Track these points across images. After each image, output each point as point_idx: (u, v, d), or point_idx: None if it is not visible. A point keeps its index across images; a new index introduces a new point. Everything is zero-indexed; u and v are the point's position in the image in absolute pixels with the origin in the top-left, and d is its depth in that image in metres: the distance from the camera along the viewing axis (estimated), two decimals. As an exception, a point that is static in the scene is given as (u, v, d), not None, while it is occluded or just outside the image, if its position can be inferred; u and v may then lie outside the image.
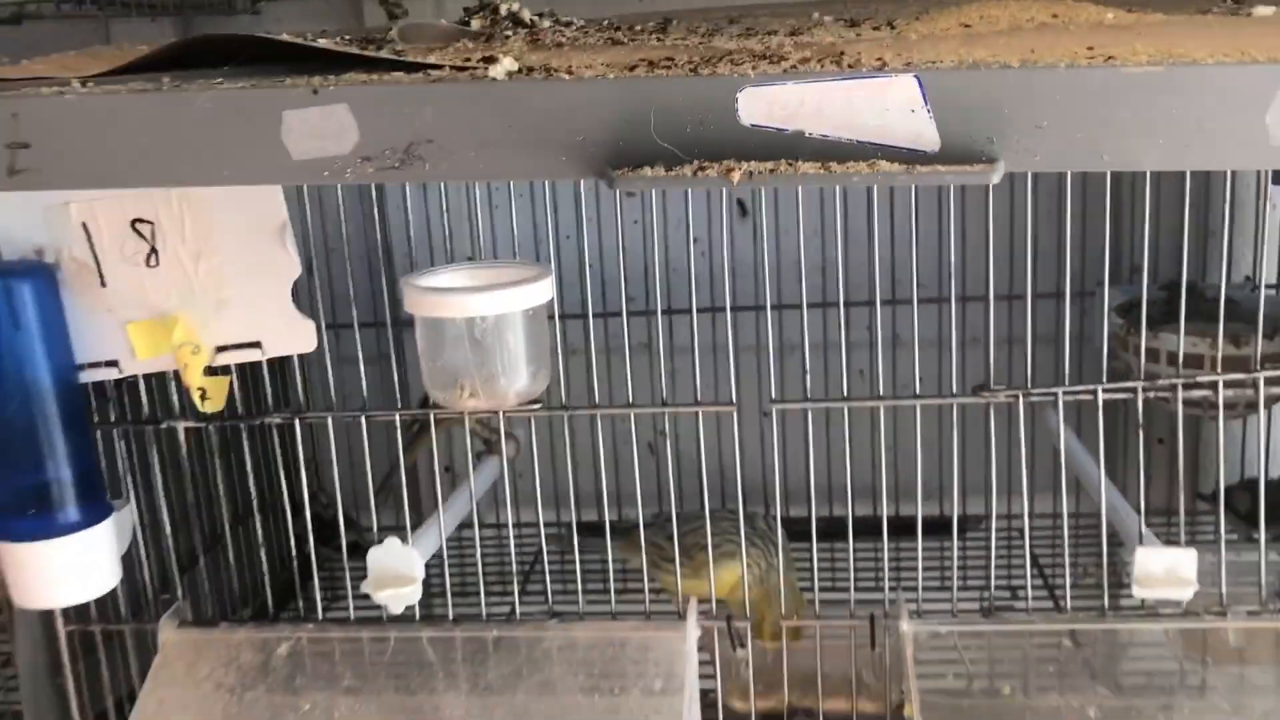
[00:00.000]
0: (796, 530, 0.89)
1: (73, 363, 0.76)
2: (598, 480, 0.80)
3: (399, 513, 0.84)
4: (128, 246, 0.74)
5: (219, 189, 0.72)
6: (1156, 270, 1.04)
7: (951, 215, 0.72)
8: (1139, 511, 0.76)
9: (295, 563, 0.96)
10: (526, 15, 0.77)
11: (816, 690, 0.82)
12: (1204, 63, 0.55)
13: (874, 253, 0.73)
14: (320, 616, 0.83)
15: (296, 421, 0.81)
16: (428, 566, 0.80)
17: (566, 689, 0.76)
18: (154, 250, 0.74)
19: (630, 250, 0.78)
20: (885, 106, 0.57)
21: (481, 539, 0.83)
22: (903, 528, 0.81)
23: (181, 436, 0.81)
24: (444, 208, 0.82)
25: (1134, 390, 0.73)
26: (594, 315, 0.85)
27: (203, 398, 0.77)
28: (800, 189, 0.86)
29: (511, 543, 0.83)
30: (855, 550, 0.81)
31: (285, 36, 0.66)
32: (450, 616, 0.81)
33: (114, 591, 0.80)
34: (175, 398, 0.81)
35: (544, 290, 0.71)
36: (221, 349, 0.76)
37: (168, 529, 0.84)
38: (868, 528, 0.80)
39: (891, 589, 0.79)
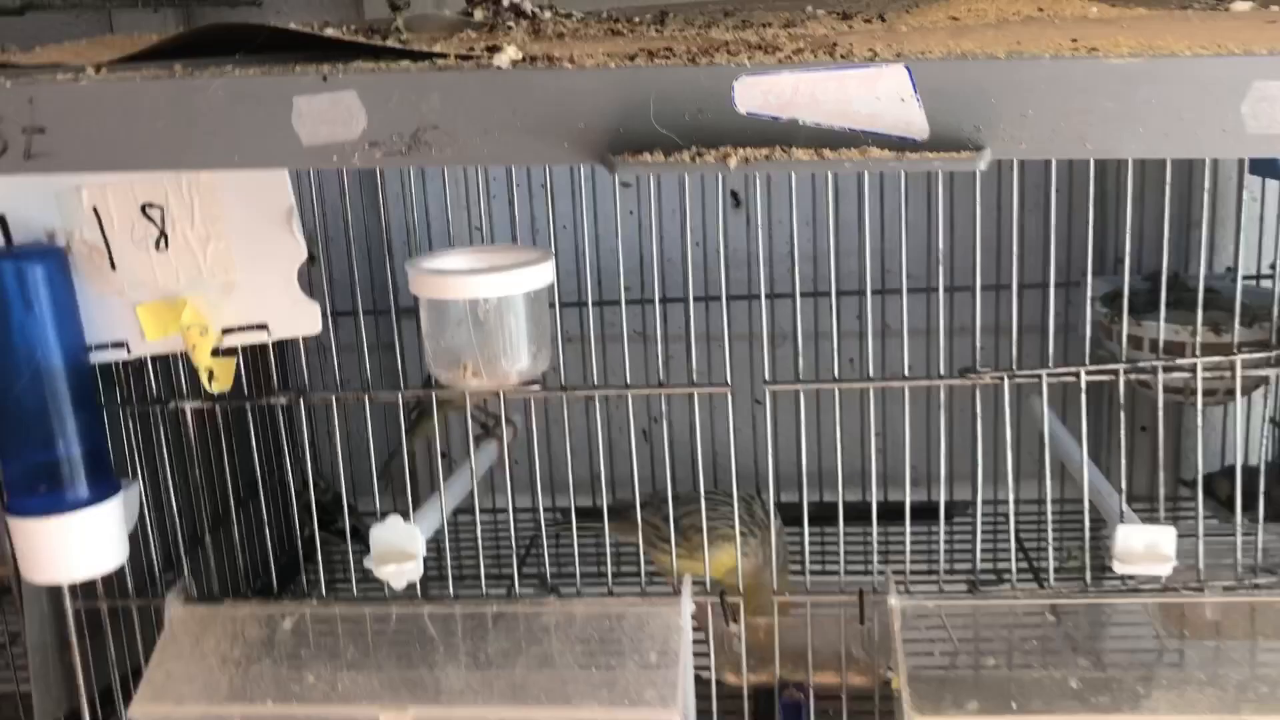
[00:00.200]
0: (789, 515, 0.91)
1: (83, 344, 0.77)
2: (593, 465, 0.82)
3: (396, 499, 0.87)
4: (137, 230, 0.76)
5: (228, 175, 0.74)
6: (1141, 261, 1.06)
7: (940, 206, 0.74)
8: (1123, 492, 0.78)
9: (299, 542, 0.98)
10: (528, 7, 0.79)
11: (807, 665, 0.84)
12: (1182, 55, 0.57)
13: (864, 243, 0.76)
14: (323, 593, 0.85)
15: (301, 402, 0.83)
16: (427, 554, 0.82)
17: (564, 663, 0.77)
18: (163, 234, 0.76)
19: (627, 240, 0.80)
20: (876, 95, 0.59)
21: (479, 524, 0.85)
22: (893, 513, 0.83)
23: (189, 416, 0.83)
24: (445, 198, 0.83)
25: (1116, 372, 0.76)
26: (591, 304, 0.87)
27: (210, 378, 0.79)
28: (793, 180, 0.89)
29: (512, 521, 0.85)
30: (846, 534, 0.84)
31: (293, 26, 0.68)
32: (451, 593, 0.83)
33: (121, 569, 0.81)
34: (182, 379, 0.83)
35: (545, 273, 0.73)
36: (228, 331, 0.78)
37: (174, 508, 0.86)
38: (859, 512, 0.82)
39: (880, 573, 0.81)
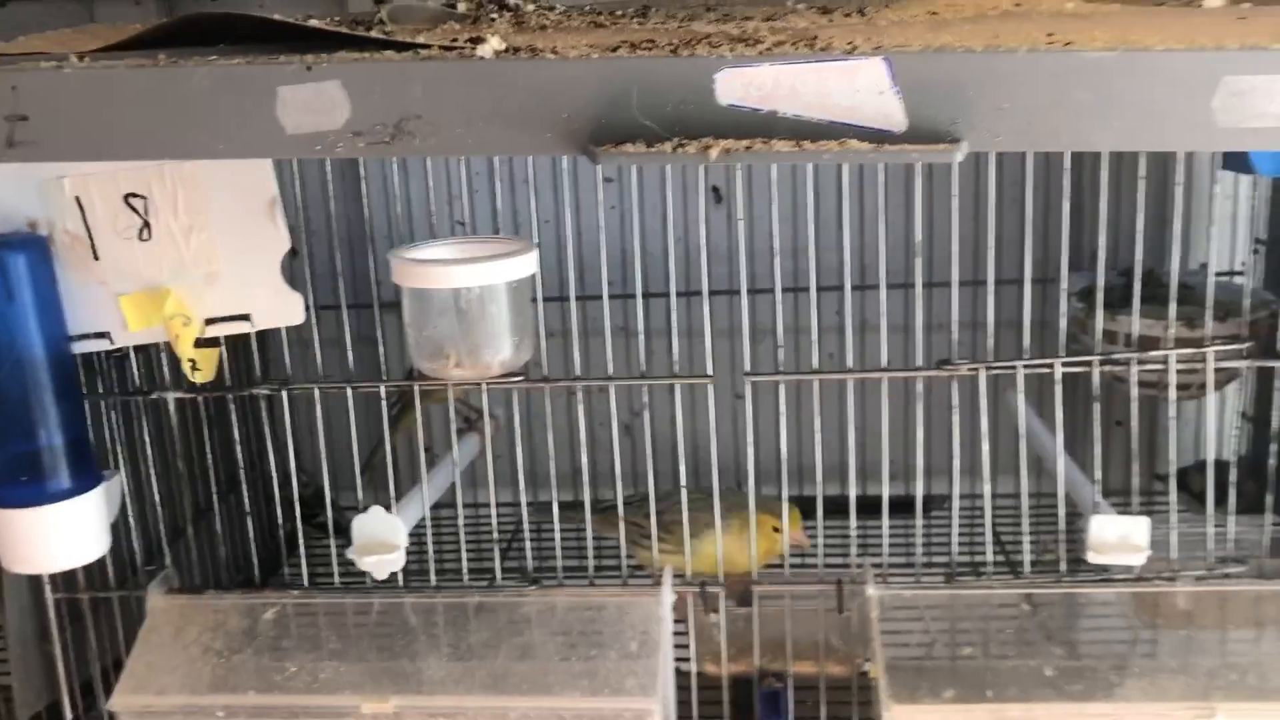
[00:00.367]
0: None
1: (65, 334, 0.77)
2: (575, 458, 0.82)
3: (378, 492, 0.87)
4: (120, 220, 0.76)
5: (211, 165, 0.74)
6: (1117, 256, 1.07)
7: (919, 202, 0.75)
8: (1097, 483, 0.80)
9: (281, 534, 0.98)
10: None
11: (786, 654, 0.85)
12: (1155, 49, 0.58)
13: (844, 238, 0.77)
14: (305, 584, 0.85)
15: (284, 393, 0.83)
16: (409, 549, 0.82)
17: (545, 652, 0.78)
18: (146, 224, 0.76)
19: (609, 234, 0.81)
20: (855, 88, 0.60)
21: (461, 517, 0.85)
22: (875, 506, 0.83)
23: (171, 407, 0.83)
24: (427, 191, 0.84)
25: (1090, 364, 0.77)
26: (574, 298, 0.88)
27: (193, 368, 0.79)
28: (774, 175, 0.90)
29: (494, 513, 0.86)
30: (827, 526, 0.84)
31: (277, 16, 0.68)
32: (432, 582, 0.84)
33: (102, 560, 0.81)
34: (164, 369, 0.83)
35: (528, 264, 0.74)
36: (211, 321, 0.78)
37: (156, 499, 0.86)
38: (840, 505, 0.83)
39: (859, 565, 0.82)
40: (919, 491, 0.80)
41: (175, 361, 0.80)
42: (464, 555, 0.85)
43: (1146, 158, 0.73)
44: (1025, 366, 0.78)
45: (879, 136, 0.60)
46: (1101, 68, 0.59)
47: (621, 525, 0.91)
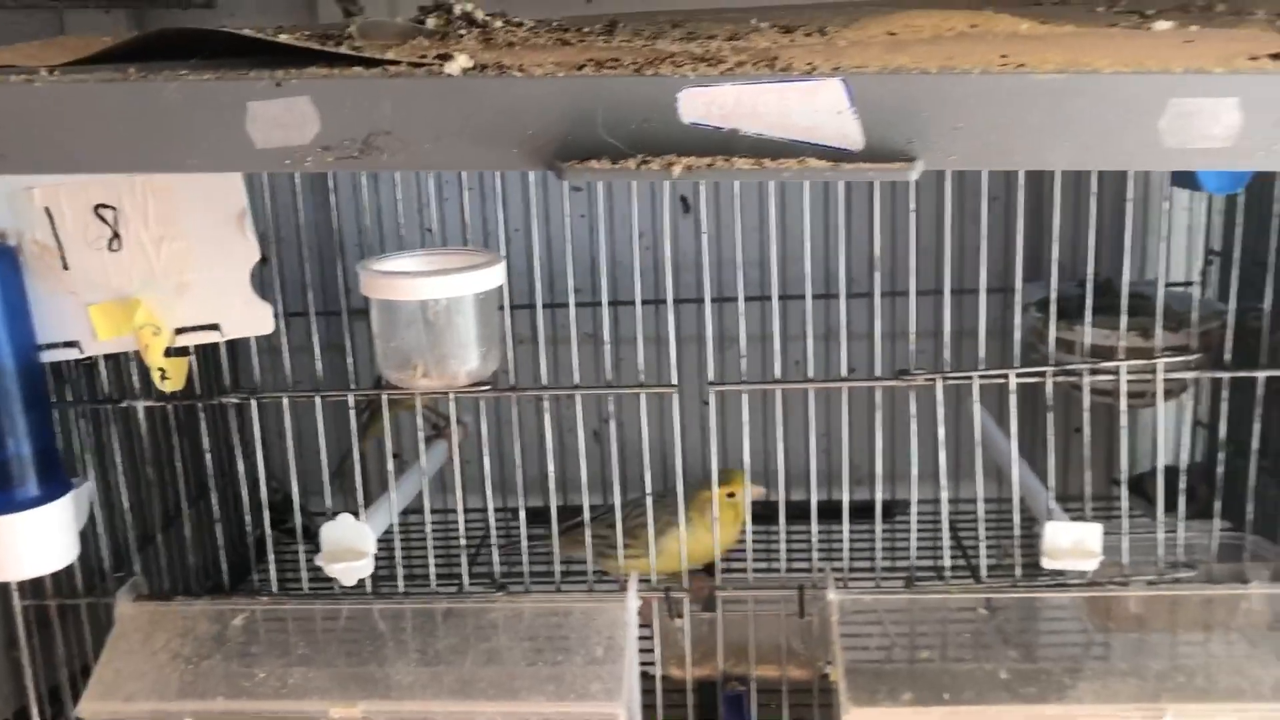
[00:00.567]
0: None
1: (34, 343, 0.78)
2: (544, 465, 0.84)
3: (347, 499, 0.88)
4: (90, 231, 0.77)
5: (182, 176, 0.75)
6: (1075, 267, 1.10)
7: (878, 215, 0.77)
8: (1051, 489, 0.82)
9: (250, 542, 0.99)
10: (479, 15, 0.80)
11: (749, 658, 0.86)
12: (1104, 72, 0.60)
13: (805, 250, 0.78)
14: (274, 591, 0.86)
15: (253, 402, 0.84)
16: (377, 555, 0.83)
17: (512, 658, 0.79)
18: (116, 235, 0.77)
19: (578, 244, 0.82)
20: (814, 108, 0.61)
21: (429, 524, 0.86)
22: (836, 512, 0.85)
23: (141, 415, 0.84)
24: (396, 202, 0.85)
25: (1044, 374, 0.79)
26: (542, 306, 0.89)
27: (163, 377, 0.79)
28: (738, 188, 0.91)
29: (460, 520, 0.87)
30: (792, 532, 0.86)
31: (248, 31, 0.69)
32: (400, 589, 0.85)
33: (70, 567, 0.82)
34: (134, 378, 0.84)
35: (495, 275, 0.75)
36: (181, 330, 0.79)
37: (125, 506, 0.86)
38: (806, 511, 0.84)
39: (821, 570, 0.84)
40: (878, 497, 0.82)
41: (145, 370, 0.81)
42: (431, 562, 0.86)
43: (1101, 174, 0.75)
44: (981, 377, 0.80)
45: (837, 155, 0.62)
46: (1052, 89, 0.60)
47: (589, 540, 0.92)
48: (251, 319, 0.79)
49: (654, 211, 1.14)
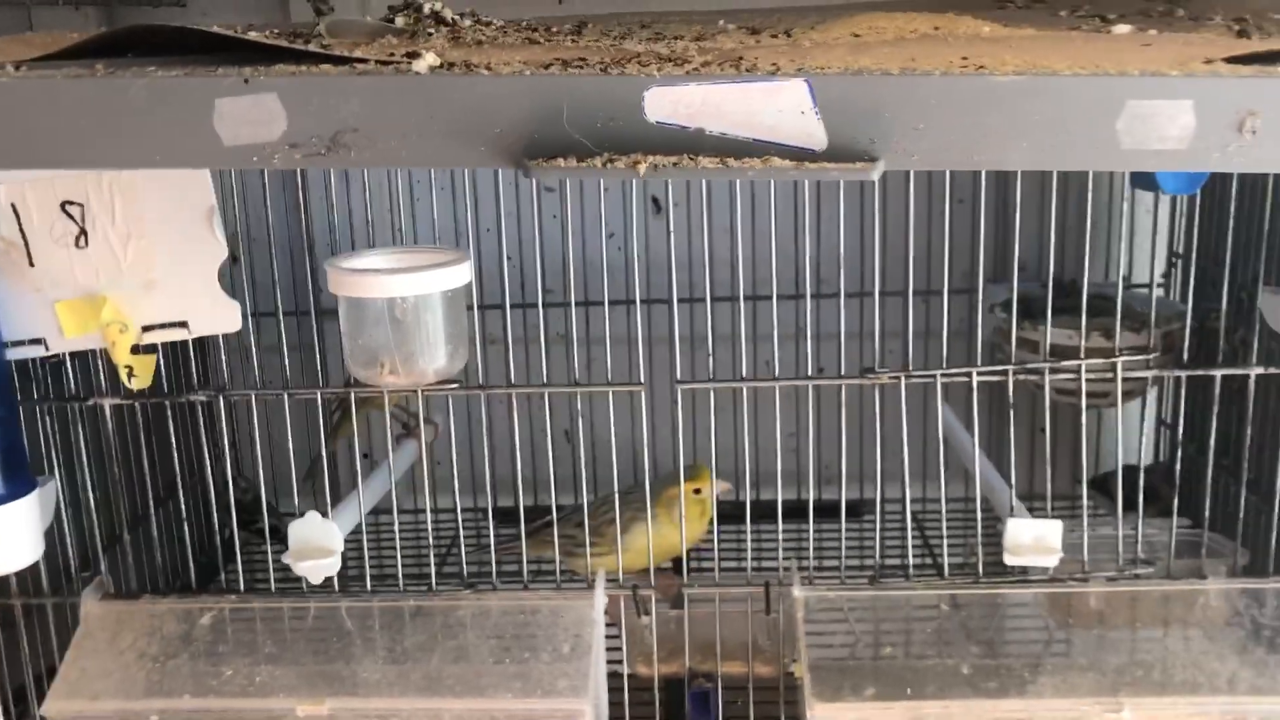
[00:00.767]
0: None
1: (-1, 340, 0.78)
2: (514, 464, 0.84)
3: (317, 498, 0.88)
4: (57, 228, 0.76)
5: (149, 173, 0.75)
6: (1040, 268, 1.11)
7: (843, 215, 0.78)
8: (1013, 487, 0.83)
9: (219, 542, 0.99)
10: (449, 14, 0.81)
11: (715, 655, 0.87)
12: (1063, 74, 0.61)
13: (772, 250, 0.79)
14: (242, 589, 0.86)
15: (220, 399, 0.84)
16: (345, 554, 0.83)
17: (479, 655, 0.79)
18: (83, 232, 0.77)
19: (550, 244, 0.83)
20: (778, 108, 0.62)
21: (399, 525, 0.86)
22: (804, 510, 0.86)
23: (108, 413, 0.84)
24: (366, 201, 0.85)
25: (1005, 373, 0.80)
26: (512, 306, 0.89)
27: (130, 375, 0.79)
28: (708, 188, 0.92)
29: (429, 520, 0.87)
30: (762, 530, 0.87)
31: (216, 28, 0.69)
32: (368, 587, 0.85)
33: (35, 566, 0.81)
34: (101, 376, 0.83)
35: (462, 273, 0.75)
36: (148, 328, 0.78)
37: (92, 505, 0.86)
38: (771, 510, 0.85)
39: (787, 567, 0.85)
40: (843, 495, 0.83)
41: (112, 367, 0.80)
42: (400, 561, 0.86)
43: (1067, 176, 0.76)
44: (944, 375, 0.81)
45: (801, 155, 0.62)
46: (1012, 91, 0.61)
47: (556, 541, 0.92)
48: (219, 317, 0.79)
49: (624, 212, 1.14)
